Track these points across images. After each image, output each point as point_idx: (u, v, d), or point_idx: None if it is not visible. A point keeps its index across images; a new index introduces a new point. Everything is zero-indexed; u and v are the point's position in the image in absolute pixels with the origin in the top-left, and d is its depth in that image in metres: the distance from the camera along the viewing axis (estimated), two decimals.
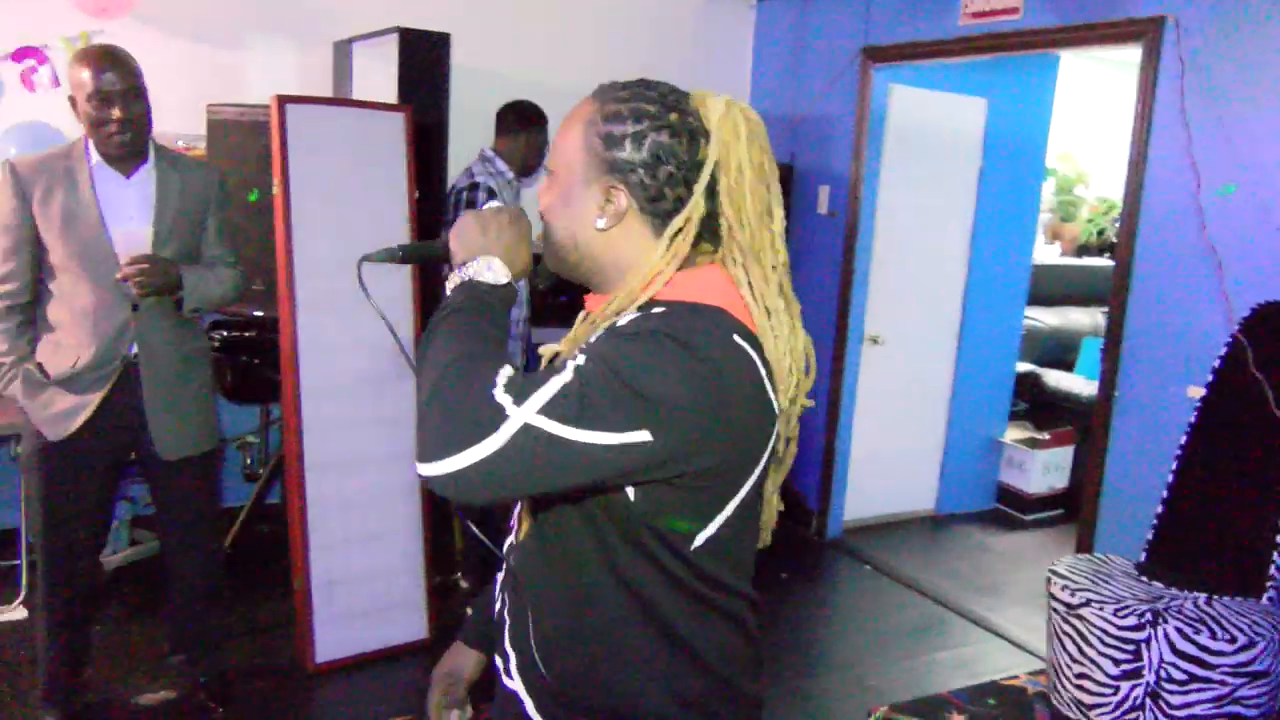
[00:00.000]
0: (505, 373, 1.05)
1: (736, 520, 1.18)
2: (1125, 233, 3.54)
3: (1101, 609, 2.69)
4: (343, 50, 4.16)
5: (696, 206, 1.18)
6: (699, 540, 1.15)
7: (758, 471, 1.18)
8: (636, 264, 1.20)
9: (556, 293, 4.20)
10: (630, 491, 1.12)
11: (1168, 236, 3.39)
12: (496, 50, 4.59)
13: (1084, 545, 3.63)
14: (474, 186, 3.51)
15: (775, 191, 1.23)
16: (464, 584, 3.90)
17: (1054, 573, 2.93)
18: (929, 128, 4.80)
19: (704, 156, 1.18)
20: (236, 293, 2.90)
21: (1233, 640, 2.54)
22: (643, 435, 1.04)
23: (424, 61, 3.75)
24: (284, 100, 3.13)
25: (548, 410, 1.01)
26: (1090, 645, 2.72)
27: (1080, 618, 2.75)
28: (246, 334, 3.97)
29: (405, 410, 3.42)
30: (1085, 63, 6.34)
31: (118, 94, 2.52)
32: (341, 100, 3.85)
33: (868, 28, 4.57)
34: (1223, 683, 2.55)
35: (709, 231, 1.21)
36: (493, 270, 1.22)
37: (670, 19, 5.08)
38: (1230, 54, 3.20)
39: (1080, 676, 2.76)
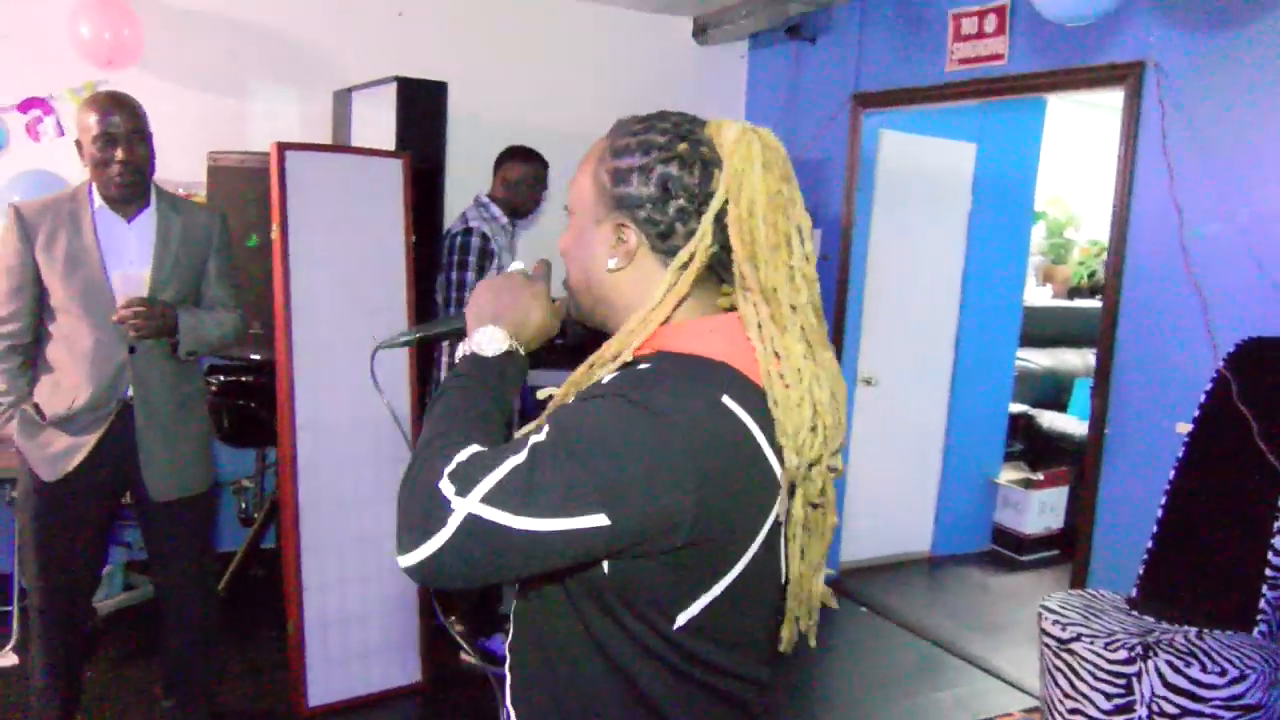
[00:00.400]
0: (460, 458, 1.01)
1: (730, 600, 1.07)
2: (1111, 273, 3.59)
3: (1093, 643, 2.69)
4: (342, 99, 4.25)
5: (702, 239, 1.09)
6: (681, 620, 1.05)
7: (755, 545, 1.07)
8: (621, 304, 1.16)
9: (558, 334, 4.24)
10: (605, 563, 1.04)
11: (1153, 276, 3.44)
12: (493, 98, 4.68)
13: (1078, 583, 3.63)
14: (468, 231, 3.57)
15: (798, 221, 1.11)
16: (458, 628, 3.89)
17: (1045, 608, 2.93)
18: (919, 172, 4.88)
19: (716, 187, 1.10)
20: (236, 335, 2.94)
21: (1224, 673, 2.54)
22: (598, 519, 0.97)
23: (422, 109, 3.84)
24: (283, 147, 3.20)
25: (491, 499, 0.96)
26: (1082, 680, 2.71)
27: (1071, 652, 2.74)
28: (244, 378, 4.00)
29: (400, 451, 3.43)
30: (1073, 107, 6.45)
31: (122, 136, 2.59)
32: (340, 147, 3.93)
33: (858, 74, 4.67)
34: (1215, 716, 2.54)
35: (726, 269, 1.13)
36: (492, 340, 1.19)
37: (664, 65, 5.19)
38: (1209, 96, 3.28)
39: (1073, 712, 2.75)
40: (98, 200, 2.68)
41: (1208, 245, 3.26)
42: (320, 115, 4.39)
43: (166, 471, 2.78)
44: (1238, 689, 2.54)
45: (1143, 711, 2.62)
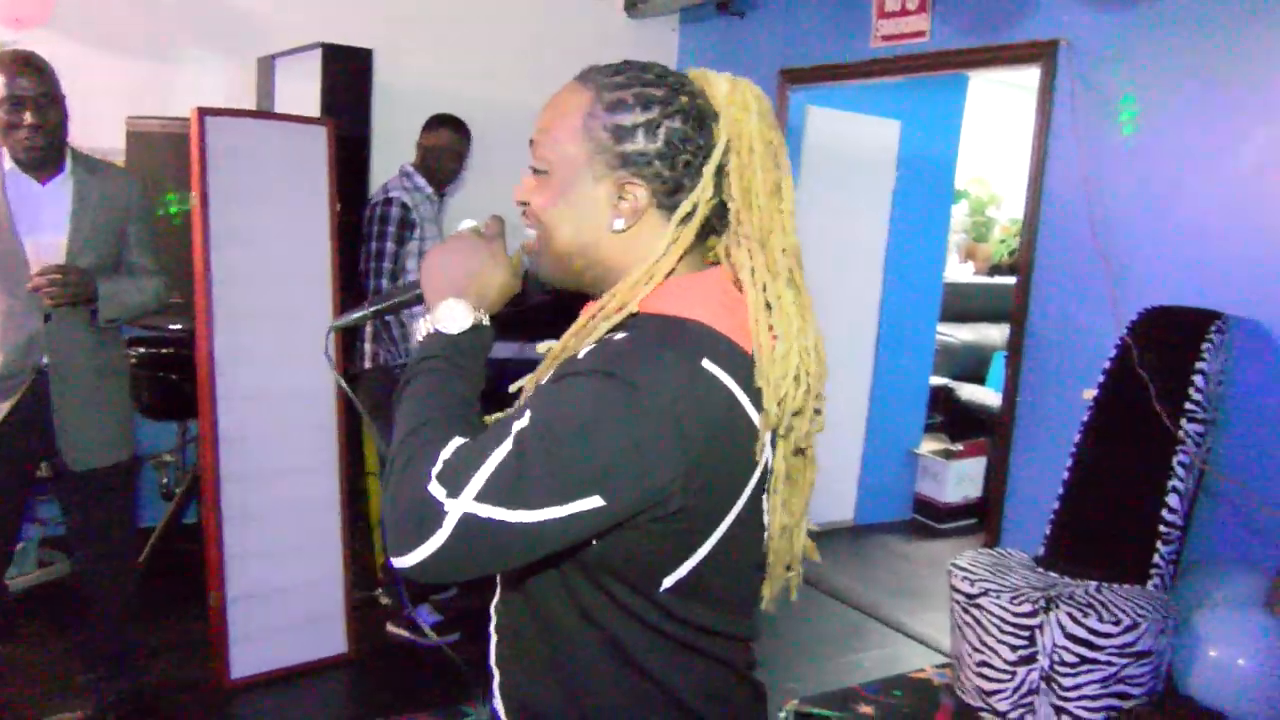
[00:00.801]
0: (444, 455, 0.99)
1: (716, 560, 1.07)
2: (1025, 246, 3.71)
3: (999, 597, 2.81)
4: (266, 66, 4.18)
5: (704, 191, 1.08)
6: (667, 583, 1.06)
7: (739, 506, 1.07)
8: (616, 266, 1.13)
9: (513, 305, 4.25)
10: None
11: (1064, 249, 3.57)
12: (421, 67, 4.65)
13: (991, 545, 3.76)
14: (388, 201, 3.54)
15: (785, 169, 1.13)
16: (385, 600, 3.89)
17: (955, 566, 3.04)
18: (845, 148, 4.97)
19: (716, 139, 1.09)
20: (158, 301, 2.88)
21: (1118, 622, 2.67)
22: (593, 501, 0.97)
23: (347, 77, 3.80)
24: (204, 112, 3.15)
25: (484, 496, 0.95)
26: (989, 633, 2.83)
27: (979, 607, 2.86)
28: (164, 349, 3.93)
29: (325, 420, 3.43)
30: (995, 88, 6.61)
31: (30, 99, 2.52)
32: (263, 113, 3.86)
33: (785, 50, 4.73)
34: (1109, 663, 2.67)
35: (718, 219, 1.12)
36: (454, 316, 1.13)
37: (595, 38, 5.19)
38: (1117, 73, 3.40)
39: (981, 664, 2.87)
40: (8, 163, 2.61)
41: (1113, 218, 3.39)
42: (244, 82, 4.31)
43: (84, 439, 2.73)
44: (1130, 637, 2.67)
45: (1045, 661, 2.75)
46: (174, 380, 3.87)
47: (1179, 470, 2.96)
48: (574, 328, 1.14)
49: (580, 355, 1.06)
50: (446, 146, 3.64)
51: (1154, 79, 3.31)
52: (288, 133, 3.39)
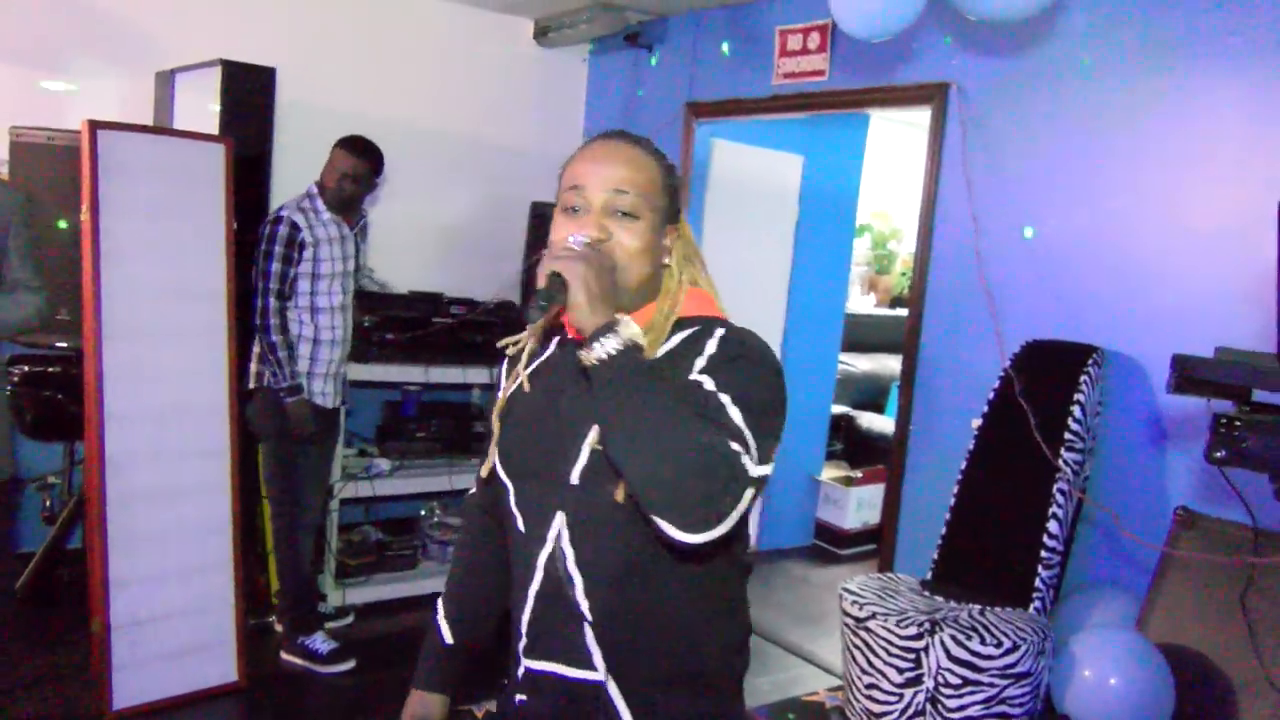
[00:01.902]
0: (730, 432, 1.16)
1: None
2: (917, 280, 3.85)
3: (886, 620, 2.88)
4: (165, 80, 4.10)
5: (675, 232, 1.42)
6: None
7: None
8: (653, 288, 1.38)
9: (383, 329, 4.21)
10: None
11: (952, 283, 3.71)
12: (328, 87, 4.60)
13: (885, 569, 3.86)
14: (277, 220, 3.50)
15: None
16: (278, 627, 3.80)
17: (846, 590, 3.12)
18: (749, 181, 5.08)
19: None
20: (40, 318, 2.79)
21: (999, 645, 2.77)
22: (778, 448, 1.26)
23: (248, 95, 3.75)
24: (95, 125, 3.07)
25: (761, 460, 1.18)
26: (877, 656, 2.90)
27: (868, 630, 2.93)
28: (50, 368, 3.80)
29: (217, 442, 3.35)
30: (896, 127, 6.83)
31: None
32: (158, 129, 3.78)
33: (692, 83, 4.83)
34: (991, 684, 2.77)
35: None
36: (631, 328, 1.22)
37: (505, 65, 5.22)
38: (1002, 116, 3.57)
39: (870, 687, 2.94)
40: None
41: (997, 255, 3.54)
42: (142, 97, 4.22)
43: None
44: (1011, 659, 2.77)
45: (930, 683, 2.83)
46: (59, 400, 3.74)
47: (1058, 498, 3.09)
48: (653, 335, 1.33)
49: (714, 347, 1.30)
50: (344, 170, 3.58)
51: (1034, 122, 3.48)
52: (184, 149, 3.33)
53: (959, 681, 2.78)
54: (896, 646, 2.87)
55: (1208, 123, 3.06)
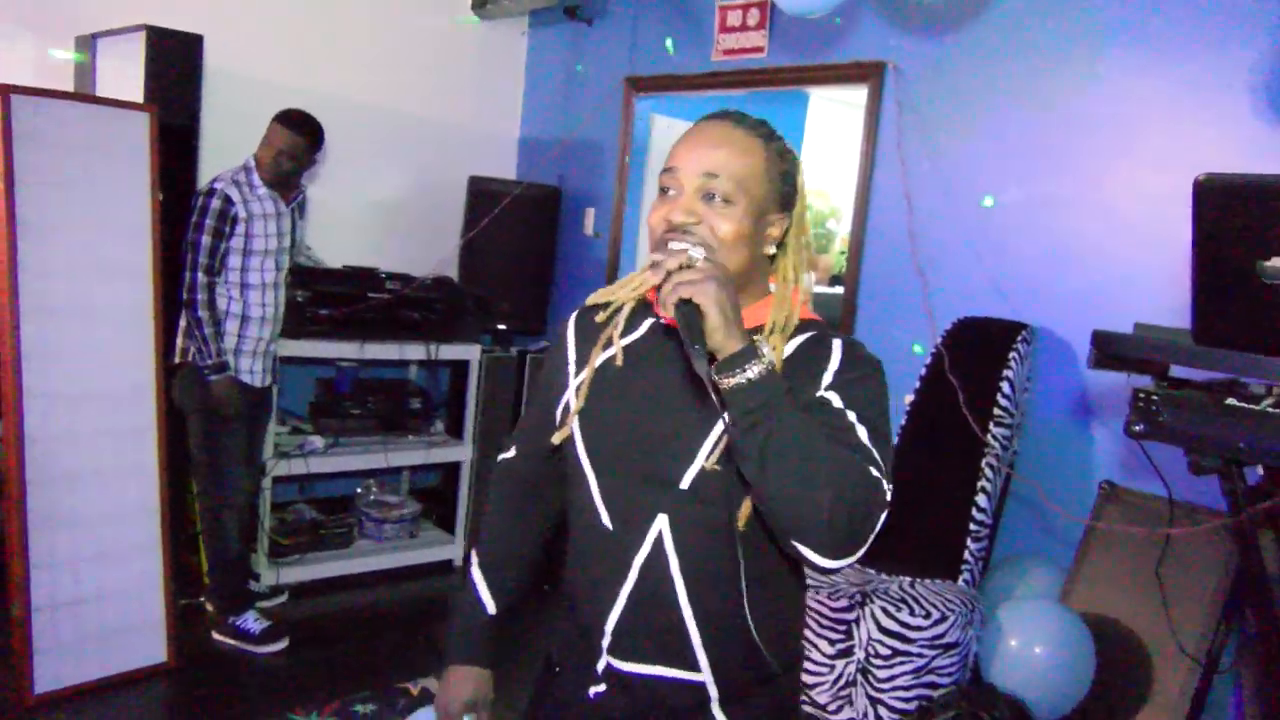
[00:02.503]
0: (865, 456, 1.16)
1: None
2: (853, 258, 3.88)
3: (818, 593, 2.92)
4: (86, 45, 3.96)
5: (793, 228, 1.37)
6: None
7: None
8: (757, 283, 1.35)
9: (317, 305, 4.14)
10: None
11: (887, 261, 3.75)
12: (260, 56, 4.49)
13: None
14: (210, 193, 3.41)
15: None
16: (209, 607, 3.74)
17: None
18: None
19: (796, 193, 1.36)
20: None
21: (928, 616, 2.83)
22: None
23: (174, 62, 3.64)
24: (8, 90, 2.96)
25: (890, 481, 1.18)
26: (809, 628, 2.95)
27: None
28: None
29: (143, 421, 3.27)
30: (835, 107, 6.87)
31: None
32: (78, 95, 3.64)
33: (631, 59, 4.80)
34: (920, 655, 2.82)
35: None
36: (768, 353, 1.16)
37: (442, 37, 5.13)
38: (936, 96, 3.60)
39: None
40: None
41: (929, 233, 3.59)
42: (63, 63, 4.07)
43: None
44: (940, 629, 2.83)
45: (861, 654, 2.88)
46: None
47: (987, 472, 3.15)
48: (771, 338, 1.30)
49: (838, 360, 1.29)
50: (281, 147, 3.52)
51: (968, 102, 3.52)
52: (106, 117, 3.22)
53: (889, 652, 2.84)
54: (828, 618, 2.91)
55: (1132, 105, 3.13)
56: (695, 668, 1.31)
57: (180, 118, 3.65)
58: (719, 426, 1.24)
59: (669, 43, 4.59)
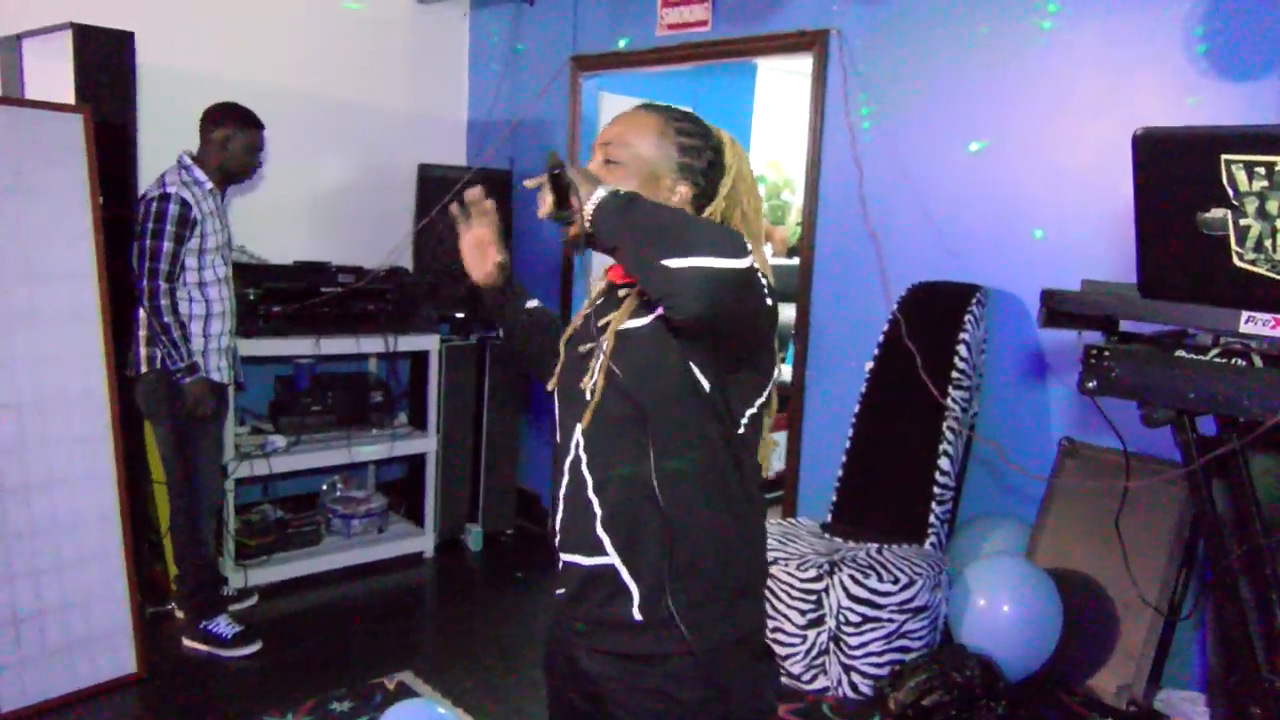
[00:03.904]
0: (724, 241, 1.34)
1: (755, 421, 1.52)
2: (806, 228, 3.88)
3: (787, 565, 2.94)
4: (10, 46, 3.84)
5: (720, 204, 1.57)
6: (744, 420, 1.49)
7: (769, 389, 1.53)
8: None
9: (269, 302, 4.08)
10: (705, 384, 1.45)
11: (841, 229, 3.75)
12: (191, 50, 4.38)
13: (787, 516, 3.94)
14: (165, 197, 3.34)
15: (759, 195, 1.66)
16: (179, 614, 3.69)
17: None
18: None
19: (726, 172, 1.59)
20: None
21: (896, 581, 2.85)
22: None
23: (104, 60, 3.53)
24: None
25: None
26: (780, 600, 2.96)
27: (770, 576, 2.98)
28: None
29: (96, 429, 3.21)
30: (785, 77, 6.86)
31: None
32: (7, 99, 3.55)
33: (575, 37, 4.75)
34: (891, 620, 2.85)
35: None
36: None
37: (379, 24, 5.04)
38: (881, 61, 3.60)
39: (774, 630, 3.00)
40: None
41: (880, 200, 3.59)
42: None
43: None
44: (908, 594, 2.86)
45: (832, 622, 2.90)
46: None
47: (948, 435, 3.17)
48: (623, 293, 1.57)
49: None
50: (247, 145, 3.55)
51: (912, 66, 3.52)
52: (36, 120, 3.14)
53: (859, 619, 2.86)
54: (798, 590, 2.93)
55: (1073, 61, 3.14)
56: (604, 552, 1.50)
57: (115, 117, 3.56)
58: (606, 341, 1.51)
59: (622, 43, 4.55)
